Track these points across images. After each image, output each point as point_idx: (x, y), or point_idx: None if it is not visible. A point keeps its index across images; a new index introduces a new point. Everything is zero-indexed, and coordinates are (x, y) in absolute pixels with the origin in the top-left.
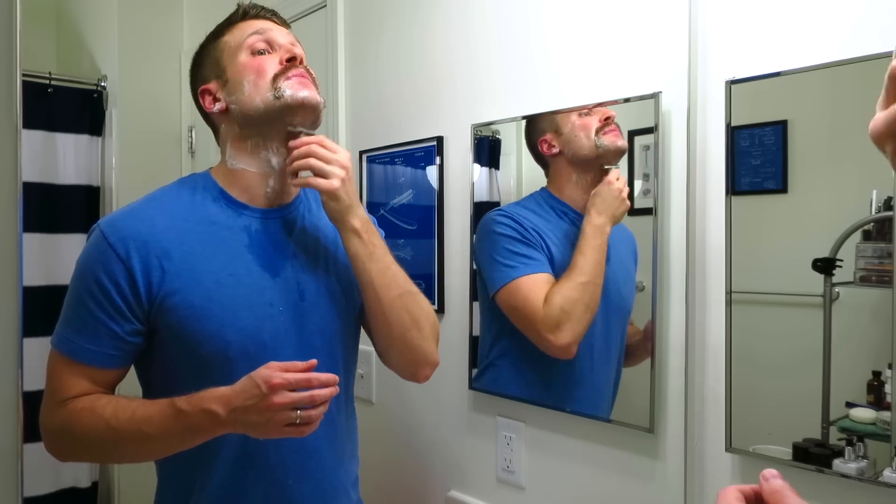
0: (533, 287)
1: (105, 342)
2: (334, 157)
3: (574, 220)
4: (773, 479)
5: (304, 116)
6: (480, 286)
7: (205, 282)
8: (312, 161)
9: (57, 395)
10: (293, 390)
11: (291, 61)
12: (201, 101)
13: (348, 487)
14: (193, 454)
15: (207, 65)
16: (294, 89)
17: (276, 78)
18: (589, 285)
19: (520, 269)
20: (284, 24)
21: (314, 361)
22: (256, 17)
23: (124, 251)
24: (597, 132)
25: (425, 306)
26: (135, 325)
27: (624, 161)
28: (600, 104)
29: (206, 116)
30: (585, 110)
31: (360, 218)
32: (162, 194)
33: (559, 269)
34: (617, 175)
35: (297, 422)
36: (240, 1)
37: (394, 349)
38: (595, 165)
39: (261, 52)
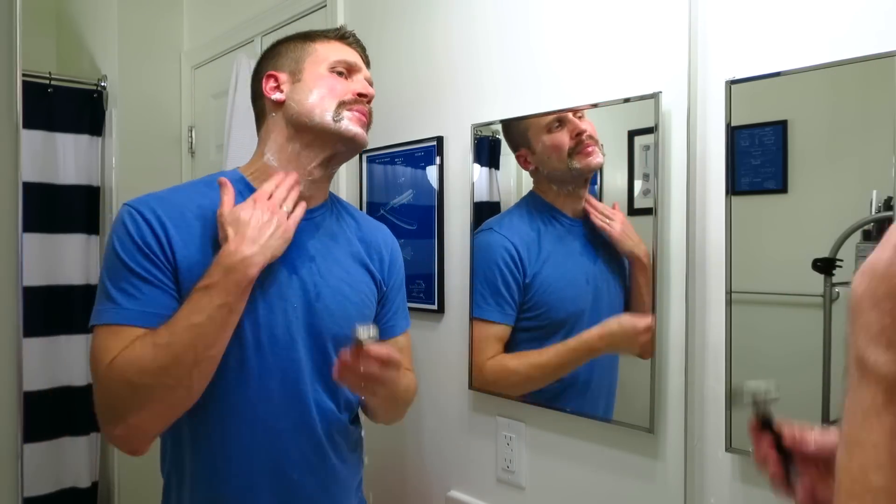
0: (482, 335)
1: (147, 300)
2: (391, 379)
3: (567, 225)
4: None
5: (348, 148)
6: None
7: None
8: (374, 385)
9: (107, 358)
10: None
11: (362, 96)
12: (264, 83)
13: (353, 487)
14: (198, 446)
15: (287, 56)
16: (352, 122)
17: (342, 104)
18: (535, 381)
19: (483, 310)
20: (367, 61)
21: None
22: (351, 44)
23: (156, 220)
24: (570, 153)
25: (408, 396)
26: (170, 282)
27: (624, 161)
28: (599, 104)
29: (258, 100)
30: (556, 122)
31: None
32: (190, 185)
33: (555, 279)
34: (648, 311)
35: (285, 210)
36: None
37: (370, 416)
38: (576, 180)
39: (340, 74)
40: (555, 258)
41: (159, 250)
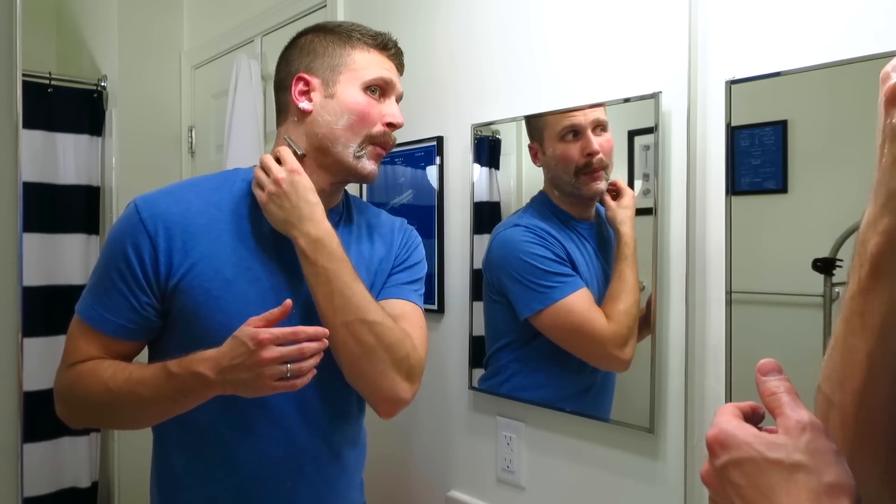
0: (587, 306)
1: (121, 312)
2: (271, 170)
3: (577, 227)
4: (769, 380)
5: (357, 180)
6: (489, 291)
7: (224, 272)
8: (257, 171)
9: (69, 358)
10: (280, 345)
11: (391, 127)
12: (293, 85)
13: (350, 492)
14: (190, 452)
15: (323, 59)
16: (369, 160)
17: (368, 137)
18: (638, 298)
19: (561, 288)
20: (402, 70)
21: (288, 302)
22: (392, 56)
23: (153, 227)
24: (577, 172)
25: (387, 337)
26: (150, 300)
27: (624, 161)
28: (599, 104)
29: (282, 93)
30: (571, 133)
31: (306, 235)
32: (203, 180)
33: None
34: (628, 190)
35: (288, 375)
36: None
37: (349, 380)
38: (577, 194)
39: (373, 92)
40: (579, 262)
41: (139, 265)
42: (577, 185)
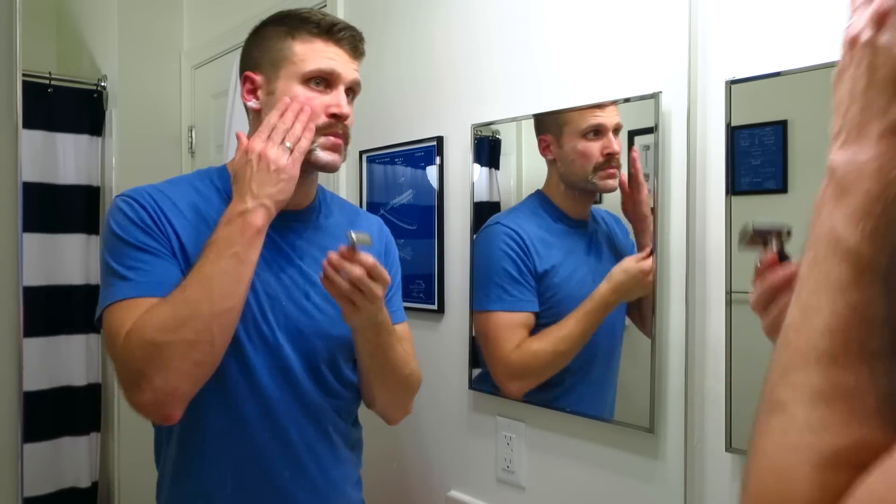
0: (508, 327)
1: (155, 271)
2: (373, 290)
3: (571, 225)
4: None
5: (321, 171)
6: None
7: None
8: (356, 295)
9: (122, 332)
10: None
11: (336, 118)
12: (242, 83)
13: (347, 488)
14: (190, 445)
15: (264, 55)
16: (324, 151)
17: (315, 130)
18: (566, 355)
19: (502, 301)
20: (358, 54)
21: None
22: (340, 41)
23: (151, 203)
24: (595, 168)
25: (413, 381)
26: (172, 256)
27: (624, 161)
28: (600, 104)
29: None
30: (593, 132)
31: (376, 324)
32: (181, 180)
33: (565, 277)
34: (648, 252)
35: (290, 146)
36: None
37: (374, 406)
38: (586, 191)
39: (317, 83)
40: (564, 256)
41: (157, 228)
42: (593, 181)
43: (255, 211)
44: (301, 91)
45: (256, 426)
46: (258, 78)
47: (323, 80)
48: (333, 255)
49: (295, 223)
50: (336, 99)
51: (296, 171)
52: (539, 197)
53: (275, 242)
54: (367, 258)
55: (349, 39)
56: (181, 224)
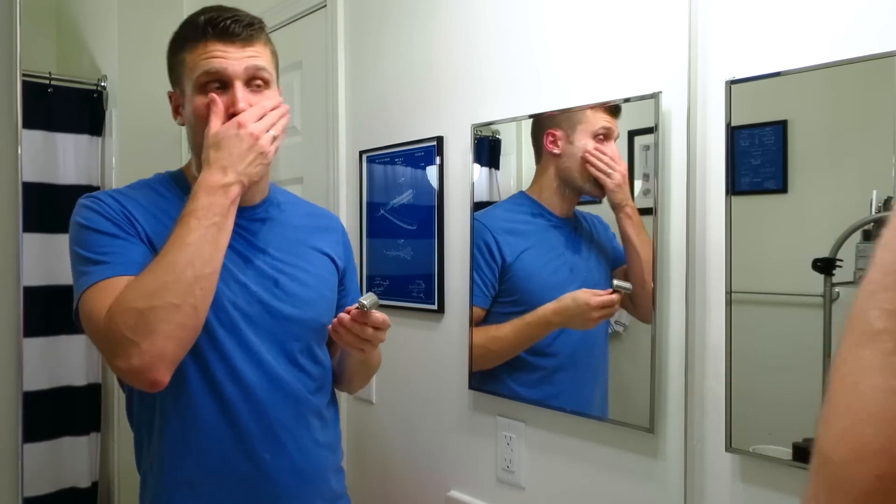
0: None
1: (127, 252)
2: (381, 339)
3: (552, 221)
4: None
5: None
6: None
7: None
8: (366, 345)
9: (102, 308)
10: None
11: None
12: (170, 99)
13: (328, 472)
14: (172, 435)
15: (172, 71)
16: None
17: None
18: (497, 354)
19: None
20: (248, 39)
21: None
22: (220, 36)
23: (113, 200)
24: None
25: (377, 367)
26: (140, 241)
27: (624, 161)
28: (601, 104)
29: None
30: (603, 135)
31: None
32: (141, 184)
33: (536, 267)
34: (610, 291)
35: (274, 135)
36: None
37: (344, 389)
38: (578, 190)
39: (217, 86)
40: (536, 248)
41: (124, 218)
42: (590, 181)
43: (235, 185)
44: (198, 100)
45: (237, 410)
46: (175, 94)
47: (217, 81)
48: (346, 319)
49: (255, 216)
50: (231, 97)
51: (271, 159)
52: (519, 195)
53: (240, 233)
54: (377, 318)
55: (228, 29)
56: (145, 218)
